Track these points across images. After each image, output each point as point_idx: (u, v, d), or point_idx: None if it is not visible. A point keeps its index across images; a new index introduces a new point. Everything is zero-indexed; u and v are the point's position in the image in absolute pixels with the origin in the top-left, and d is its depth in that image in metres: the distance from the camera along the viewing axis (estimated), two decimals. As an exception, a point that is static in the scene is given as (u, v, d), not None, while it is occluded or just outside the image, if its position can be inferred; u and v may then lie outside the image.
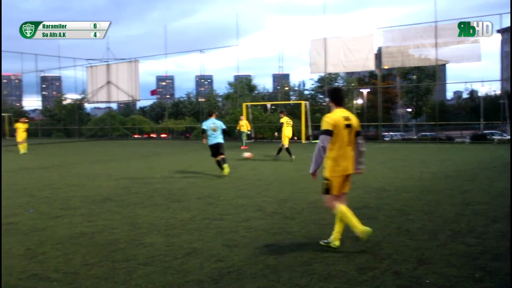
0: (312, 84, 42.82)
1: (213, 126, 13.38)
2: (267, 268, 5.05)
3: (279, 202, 8.93)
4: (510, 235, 6.32)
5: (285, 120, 18.62)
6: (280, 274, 4.85)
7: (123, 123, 44.76)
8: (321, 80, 40.34)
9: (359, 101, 47.52)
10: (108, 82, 42.38)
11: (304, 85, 48.53)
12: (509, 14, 24.81)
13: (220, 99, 46.70)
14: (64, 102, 51.08)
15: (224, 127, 13.71)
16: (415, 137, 43.40)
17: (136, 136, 43.15)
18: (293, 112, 37.01)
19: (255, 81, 44.32)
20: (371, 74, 48.85)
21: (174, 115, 45.95)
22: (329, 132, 5.66)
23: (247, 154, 18.98)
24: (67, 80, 72.26)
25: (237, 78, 44.48)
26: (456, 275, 4.72)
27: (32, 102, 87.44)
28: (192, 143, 31.66)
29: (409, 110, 51.73)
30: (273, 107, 39.84)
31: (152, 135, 43.88)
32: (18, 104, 70.48)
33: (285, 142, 18.32)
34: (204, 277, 4.80)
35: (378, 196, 9.52)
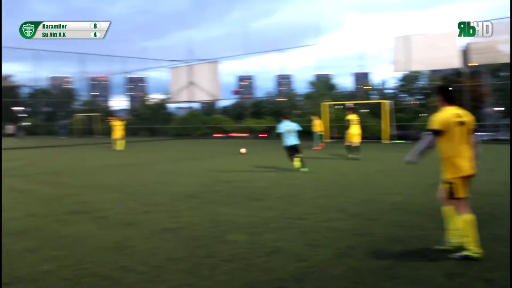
0: (395, 83, 41.69)
1: (288, 129, 14.16)
2: (350, 270, 4.97)
3: (361, 203, 8.77)
4: (510, 235, 6.02)
5: (351, 118, 18.74)
6: (363, 276, 4.76)
7: (204, 122, 45.71)
8: (404, 78, 39.21)
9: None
10: (190, 83, 43.47)
11: (385, 83, 47.31)
12: None
13: (300, 99, 46.49)
14: (149, 102, 52.94)
15: (298, 128, 14.43)
16: (506, 137, 41.16)
17: (217, 135, 43.93)
18: (374, 112, 36.23)
19: (335, 80, 43.68)
20: (457, 72, 46.88)
21: (255, 115, 46.34)
22: (435, 132, 5.34)
23: (243, 150, 19.25)
24: (152, 81, 74.88)
25: (317, 77, 44.19)
26: (555, 285, 4.42)
27: (119, 102, 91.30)
28: (270, 143, 31.81)
29: (500, 109, 49.11)
30: (353, 106, 39.20)
31: (232, 134, 44.51)
32: (107, 104, 73.79)
33: (353, 139, 18.42)
34: (286, 276, 4.80)
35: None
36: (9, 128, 43.11)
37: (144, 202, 9.31)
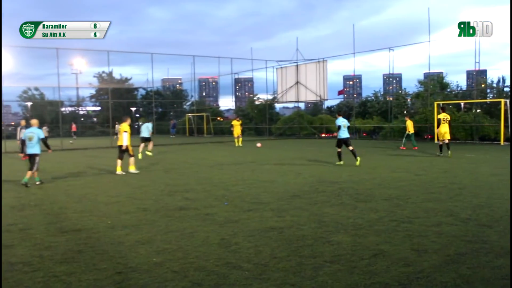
0: (513, 81, 39.07)
1: (344, 123, 16.76)
2: (460, 278, 4.74)
3: (473, 208, 8.32)
4: (510, 235, 5.72)
5: (442, 116, 19.77)
6: (474, 285, 4.53)
7: (310, 122, 45.68)
8: (524, 75, 36.62)
9: None
10: (297, 82, 43.64)
11: (504, 81, 44.47)
12: None
13: (409, 98, 45.01)
14: (256, 102, 53.87)
15: (348, 124, 17.10)
16: None
17: (323, 135, 43.73)
18: (490, 112, 34.16)
19: (447, 79, 41.68)
20: None
21: (362, 115, 45.55)
22: None
23: (258, 144, 21.36)
24: (259, 81, 76.23)
25: (428, 75, 42.49)
26: None
27: (226, 103, 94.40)
28: (377, 143, 31.11)
29: None
30: (467, 105, 37.24)
31: (335, 134, 44.08)
32: (215, 104, 76.25)
33: (446, 137, 19.58)
34: (391, 280, 4.69)
35: None
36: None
37: (249, 200, 9.51)
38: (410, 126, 26.27)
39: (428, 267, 5.09)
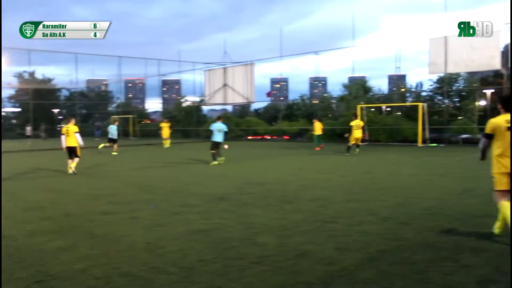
0: (431, 85, 40.99)
1: (219, 128, 18.05)
2: (380, 274, 4.92)
3: (393, 207, 8.67)
4: (510, 235, 5.85)
5: (355, 123, 21.81)
6: (393, 281, 4.71)
7: (238, 124, 45.88)
8: (440, 80, 38.52)
9: (482, 103, 44.74)
10: (225, 85, 43.71)
11: (421, 86, 46.55)
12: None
13: (334, 101, 46.20)
14: (183, 105, 53.46)
15: (226, 129, 18.48)
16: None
17: (250, 137, 44.03)
18: (409, 115, 35.71)
19: (370, 83, 43.23)
20: (496, 74, 45.80)
21: (288, 117, 46.25)
22: (487, 136, 6.26)
23: (225, 146, 21.26)
24: (186, 83, 75.90)
25: (352, 79, 43.86)
26: None
27: (153, 105, 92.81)
28: (303, 145, 31.71)
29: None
30: (388, 109, 38.74)
31: (265, 137, 44.54)
32: (141, 106, 74.90)
33: (359, 141, 21.91)
34: (315, 280, 4.79)
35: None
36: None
37: (176, 203, 9.41)
38: (317, 127, 27.78)
39: (350, 265, 5.25)
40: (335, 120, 38.98)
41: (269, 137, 43.73)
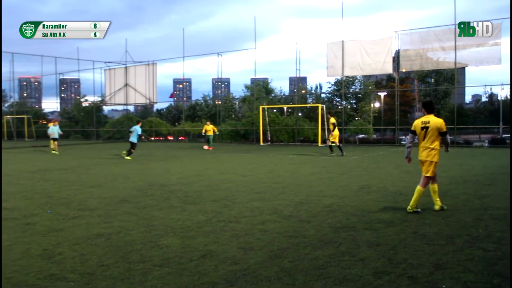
0: (329, 87, 42.64)
1: (138, 131, 21.45)
2: (282, 271, 5.04)
3: (295, 205, 8.91)
4: (510, 236, 6.30)
5: (334, 120, 21.05)
6: (295, 277, 4.84)
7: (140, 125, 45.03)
8: (338, 83, 40.17)
9: (377, 105, 47.26)
10: (126, 85, 42.71)
11: (321, 88, 48.42)
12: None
13: (236, 102, 46.68)
14: (83, 104, 51.59)
15: (140, 132, 21.72)
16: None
17: (153, 138, 43.37)
18: (310, 116, 36.90)
19: (272, 84, 44.16)
20: (389, 77, 48.56)
21: (191, 118, 46.07)
22: (412, 131, 8.43)
23: (206, 147, 23.51)
24: (86, 83, 73.47)
25: (254, 81, 44.53)
26: (474, 280, 4.67)
27: (51, 104, 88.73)
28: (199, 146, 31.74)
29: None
30: (289, 110, 39.77)
31: (169, 138, 44.07)
32: (38, 106, 71.26)
33: (337, 140, 21.13)
34: (219, 280, 4.81)
35: (395, 200, 9.47)
36: None
37: (75, 207, 9.05)
38: (211, 129, 28.93)
39: (253, 263, 5.32)
40: (238, 121, 39.37)
41: (172, 138, 43.30)
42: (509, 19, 24.98)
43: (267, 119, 33.77)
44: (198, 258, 5.55)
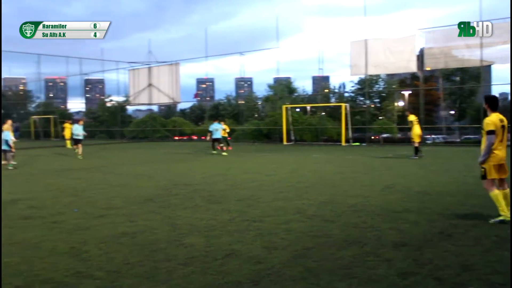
0: (352, 86, 42.35)
1: (217, 128, 23.37)
2: (307, 271, 5.02)
3: (319, 205, 8.87)
4: (510, 236, 6.19)
5: (414, 118, 19.02)
6: (319, 277, 4.82)
7: (164, 125, 45.32)
8: (361, 82, 39.89)
9: (400, 103, 46.78)
10: (150, 85, 43.05)
11: (344, 87, 48.03)
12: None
13: (259, 102, 46.66)
14: (107, 105, 52.15)
15: (222, 128, 23.86)
16: (458, 140, 42.42)
17: (177, 138, 43.62)
18: (333, 115, 36.70)
19: (294, 84, 44.05)
20: (413, 76, 48.06)
21: (214, 117, 46.21)
22: (491, 132, 7.09)
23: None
24: (110, 83, 74.00)
25: (277, 80, 44.48)
26: (503, 282, 4.59)
27: (76, 104, 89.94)
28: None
29: (452, 112, 50.61)
30: (312, 109, 39.63)
31: (192, 137, 44.26)
32: (63, 106, 72.23)
33: (417, 140, 18.88)
34: (243, 279, 4.81)
35: (420, 199, 9.34)
36: None
37: (100, 206, 9.16)
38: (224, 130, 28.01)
39: (278, 263, 5.32)
40: (261, 120, 39.36)
41: (195, 137, 43.51)
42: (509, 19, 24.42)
43: (290, 119, 33.68)
44: (223, 257, 5.56)
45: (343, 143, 30.43)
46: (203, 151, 25.82)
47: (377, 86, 40.92)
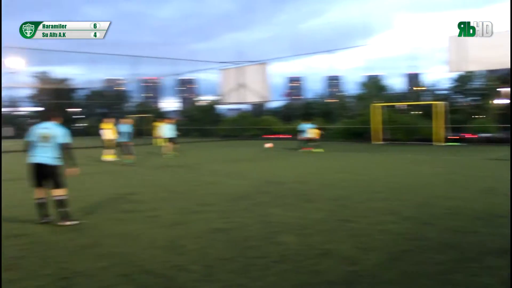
0: (448, 83, 40.60)
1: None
2: (403, 274, 4.86)
3: (414, 206, 8.58)
4: (510, 236, 5.86)
5: None
6: (418, 281, 4.65)
7: (254, 123, 45.87)
8: (459, 78, 38.12)
9: (502, 101, 44.20)
10: (240, 84, 43.74)
11: (438, 84, 46.16)
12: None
13: (349, 100, 46.02)
14: (199, 104, 53.62)
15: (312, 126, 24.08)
16: None
17: (267, 136, 43.97)
18: (427, 113, 35.37)
19: (386, 81, 43.04)
20: (515, 72, 45.26)
21: (304, 116, 46.14)
22: None
23: (269, 145, 24.23)
24: (202, 83, 75.86)
25: (367, 78, 43.63)
26: None
27: (169, 104, 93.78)
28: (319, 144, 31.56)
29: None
30: (405, 107, 38.47)
31: (283, 136, 44.44)
32: (158, 106, 75.23)
33: None
34: (336, 279, 4.75)
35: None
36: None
37: (195, 202, 9.41)
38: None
39: (372, 265, 5.19)
40: (352, 119, 38.75)
41: (285, 136, 43.65)
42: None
43: (381, 117, 32.88)
44: (315, 256, 5.52)
45: (438, 143, 29.24)
46: (293, 149, 25.82)
47: (475, 82, 38.96)
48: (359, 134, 35.44)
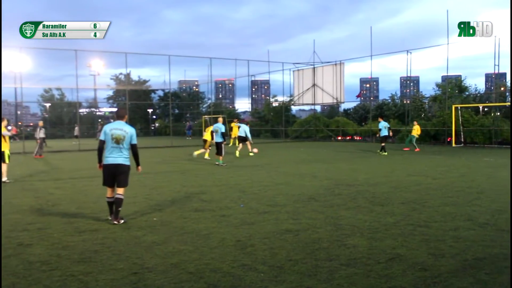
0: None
1: (385, 125, 23.45)
2: (478, 283, 4.68)
3: (492, 213, 8.22)
4: (510, 236, 5.75)
5: None
6: (493, 290, 4.47)
7: (327, 125, 45.51)
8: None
9: None
10: (314, 85, 43.54)
11: (525, 85, 43.76)
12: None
13: (426, 101, 44.59)
14: (272, 105, 53.83)
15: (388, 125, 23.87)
16: None
17: (339, 138, 43.52)
18: (510, 115, 33.67)
19: (465, 82, 41.28)
20: None
21: (379, 116, 45.21)
22: None
23: (255, 150, 22.68)
24: (275, 84, 76.37)
25: (446, 78, 42.10)
26: None
27: (243, 105, 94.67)
28: (394, 146, 30.83)
29: None
30: (485, 109, 36.84)
31: (356, 138, 43.83)
32: (231, 107, 76.33)
33: None
34: (407, 285, 4.65)
35: None
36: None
37: (265, 202, 9.50)
38: (416, 129, 27.64)
39: (445, 271, 5.04)
40: (428, 121, 37.59)
41: (359, 138, 43.02)
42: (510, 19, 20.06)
43: (460, 119, 31.67)
44: (386, 260, 5.43)
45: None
46: (366, 151, 25.41)
47: None
48: (436, 136, 34.35)
